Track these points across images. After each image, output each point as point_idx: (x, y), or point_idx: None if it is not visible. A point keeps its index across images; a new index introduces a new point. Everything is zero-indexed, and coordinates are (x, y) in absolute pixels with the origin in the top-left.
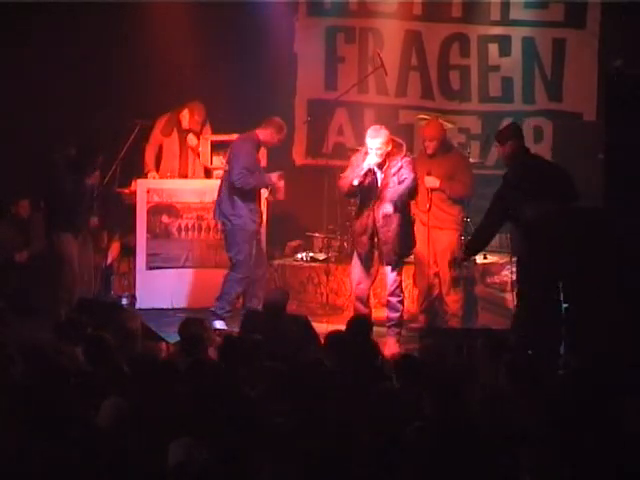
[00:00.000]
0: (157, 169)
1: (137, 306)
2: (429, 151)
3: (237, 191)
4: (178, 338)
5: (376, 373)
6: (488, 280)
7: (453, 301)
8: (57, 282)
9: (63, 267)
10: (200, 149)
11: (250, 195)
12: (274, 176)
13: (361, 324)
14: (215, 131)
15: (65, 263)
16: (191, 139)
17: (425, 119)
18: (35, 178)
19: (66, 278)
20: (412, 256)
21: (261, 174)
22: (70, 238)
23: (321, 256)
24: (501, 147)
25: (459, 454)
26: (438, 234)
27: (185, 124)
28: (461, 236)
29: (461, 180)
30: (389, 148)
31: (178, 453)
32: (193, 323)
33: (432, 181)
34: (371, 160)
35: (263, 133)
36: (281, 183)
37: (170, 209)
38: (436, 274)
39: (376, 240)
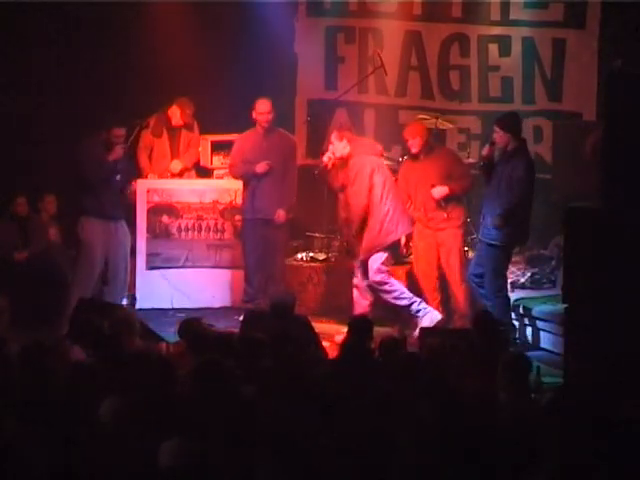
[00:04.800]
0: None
1: (137, 306)
2: (415, 149)
3: None
4: (178, 338)
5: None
6: None
7: (462, 300)
8: (72, 274)
9: (80, 257)
10: (200, 149)
11: None
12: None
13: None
14: (216, 131)
15: (83, 252)
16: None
17: (425, 119)
18: (35, 174)
19: (81, 269)
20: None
21: None
22: (95, 223)
23: (321, 256)
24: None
25: (457, 456)
26: (442, 235)
27: (176, 120)
28: (464, 235)
29: (462, 175)
30: None
31: (169, 454)
32: (194, 323)
33: (440, 191)
34: None
35: None
36: None
37: (170, 209)
38: (439, 276)
39: None
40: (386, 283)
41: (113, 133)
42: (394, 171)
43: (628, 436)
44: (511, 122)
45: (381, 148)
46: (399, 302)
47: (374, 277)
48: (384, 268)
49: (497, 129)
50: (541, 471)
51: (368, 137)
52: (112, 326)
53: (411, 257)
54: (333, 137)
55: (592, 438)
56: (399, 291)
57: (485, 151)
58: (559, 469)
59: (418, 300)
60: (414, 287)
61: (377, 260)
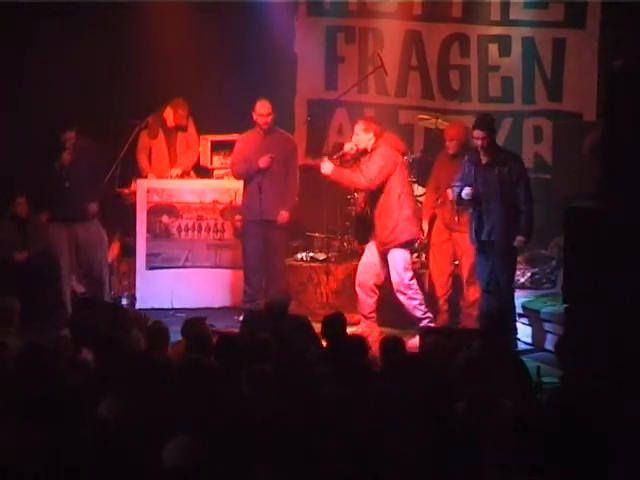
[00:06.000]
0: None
1: (137, 306)
2: (451, 151)
3: None
4: (178, 338)
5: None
6: None
7: (473, 301)
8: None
9: (50, 261)
10: (200, 148)
11: None
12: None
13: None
14: (216, 131)
15: (51, 256)
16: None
17: (425, 119)
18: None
19: (52, 273)
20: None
21: None
22: (56, 228)
23: (321, 256)
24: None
25: (453, 454)
26: (460, 237)
27: (170, 122)
28: None
29: None
30: None
31: (174, 453)
32: (197, 323)
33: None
34: None
35: None
36: None
37: (170, 209)
38: (450, 275)
39: None
40: (413, 288)
41: (64, 137)
42: (408, 167)
43: (628, 436)
44: (489, 122)
45: (404, 146)
46: (416, 312)
47: (404, 276)
48: (410, 266)
49: (479, 131)
50: (540, 471)
51: None
52: (149, 336)
53: (416, 255)
54: (358, 127)
55: (592, 438)
56: (420, 300)
57: (470, 194)
58: (558, 469)
59: (431, 316)
60: (424, 283)
61: (400, 259)
